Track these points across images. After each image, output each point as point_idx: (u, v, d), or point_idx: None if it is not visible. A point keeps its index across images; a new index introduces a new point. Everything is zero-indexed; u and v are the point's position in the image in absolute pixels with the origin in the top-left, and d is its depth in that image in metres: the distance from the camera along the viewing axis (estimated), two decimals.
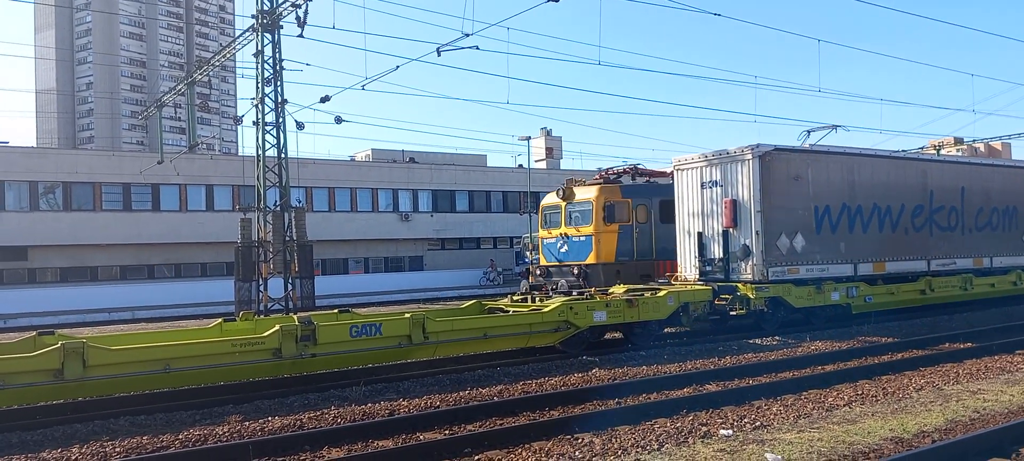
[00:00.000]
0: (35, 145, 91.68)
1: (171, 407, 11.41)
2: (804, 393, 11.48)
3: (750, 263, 18.22)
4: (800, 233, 18.69)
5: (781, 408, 10.50)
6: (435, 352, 14.36)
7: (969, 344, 15.89)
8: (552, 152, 71.96)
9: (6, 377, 10.44)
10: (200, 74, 33.85)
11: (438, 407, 10.89)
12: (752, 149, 18.19)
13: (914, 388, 11.73)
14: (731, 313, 18.31)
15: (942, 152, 44.85)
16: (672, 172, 20.76)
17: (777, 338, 17.72)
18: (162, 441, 9.38)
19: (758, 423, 9.71)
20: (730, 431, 9.22)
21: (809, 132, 22.07)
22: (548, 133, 73.73)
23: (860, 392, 11.47)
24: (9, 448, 9.38)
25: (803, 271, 18.76)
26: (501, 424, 9.90)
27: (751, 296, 17.88)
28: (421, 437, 9.40)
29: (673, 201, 20.66)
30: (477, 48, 21.66)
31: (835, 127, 21.90)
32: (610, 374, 13.24)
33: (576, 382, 12.61)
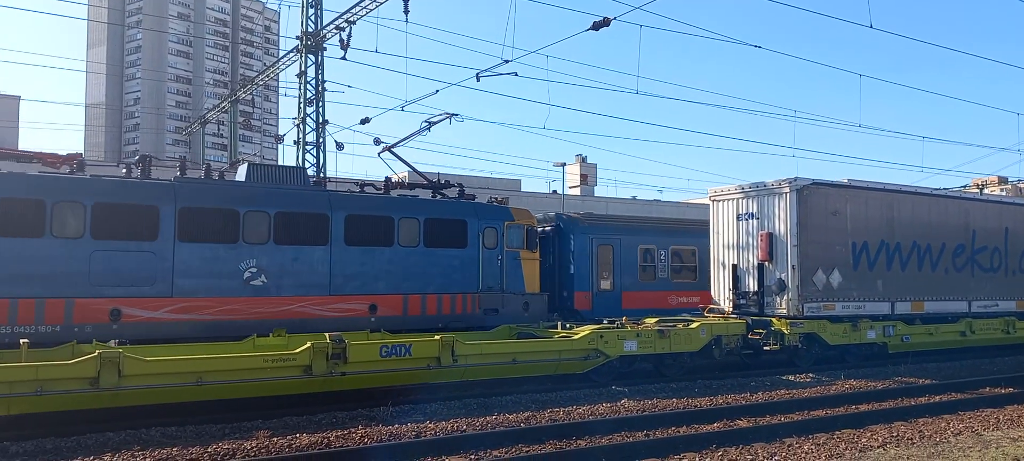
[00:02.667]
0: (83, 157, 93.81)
1: (202, 420, 11.54)
2: (837, 433, 11.27)
3: (785, 298, 17.97)
4: (837, 269, 18.41)
5: (813, 447, 10.32)
6: (463, 375, 14.36)
7: (1010, 389, 15.47)
8: (587, 179, 71.92)
9: (44, 383, 10.67)
10: (244, 92, 34.58)
11: (465, 431, 10.89)
12: (790, 182, 18.02)
13: (952, 432, 11.45)
14: (765, 348, 18.04)
15: (986, 191, 43.96)
16: (709, 202, 20.60)
17: (811, 375, 17.43)
18: (191, 453, 9.49)
19: None
20: None
21: (429, 123, 20.69)
22: (583, 160, 73.71)
23: (895, 434, 11.22)
24: (44, 453, 9.57)
25: (839, 308, 18.45)
26: (527, 451, 9.86)
27: (785, 331, 17.62)
28: None
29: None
30: (516, 74, 21.91)
31: (450, 116, 20.89)
32: (639, 406, 13.12)
33: (604, 412, 12.52)
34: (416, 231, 17.87)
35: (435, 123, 20.71)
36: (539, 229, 20.83)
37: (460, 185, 20.25)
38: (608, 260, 21.80)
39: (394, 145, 20.43)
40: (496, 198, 20.59)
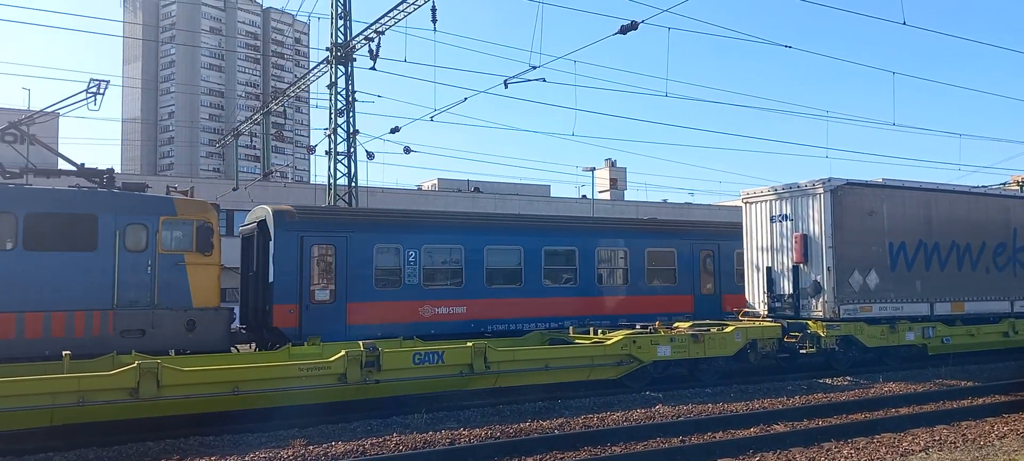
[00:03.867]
0: (120, 171, 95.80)
1: (238, 429, 11.67)
2: (877, 436, 11.08)
3: (821, 300, 17.73)
4: (873, 270, 18.12)
5: (852, 451, 10.15)
6: (496, 382, 14.36)
7: None
8: (616, 183, 71.64)
9: (86, 394, 10.87)
10: (275, 104, 34.99)
11: (499, 438, 10.88)
12: (824, 183, 17.79)
13: (996, 435, 11.20)
14: (801, 351, 17.80)
15: None
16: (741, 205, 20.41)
17: (848, 378, 17.16)
18: None
19: None
20: None
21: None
22: (613, 164, 73.51)
23: (937, 437, 11.00)
24: None
25: (876, 309, 18.16)
26: (561, 458, 9.83)
27: (822, 334, 17.37)
28: None
29: None
30: (544, 80, 21.94)
31: (93, 91, 17.57)
32: (674, 411, 13.01)
33: (639, 418, 12.43)
34: (11, 229, 14.10)
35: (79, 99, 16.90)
36: (245, 227, 17.84)
37: (109, 170, 16.51)
38: (328, 264, 17.72)
39: (20, 120, 16.50)
40: (175, 187, 17.11)
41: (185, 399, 11.66)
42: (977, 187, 24.31)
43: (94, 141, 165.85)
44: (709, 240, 22.34)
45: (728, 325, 17.21)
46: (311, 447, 10.36)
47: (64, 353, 12.70)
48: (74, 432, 11.31)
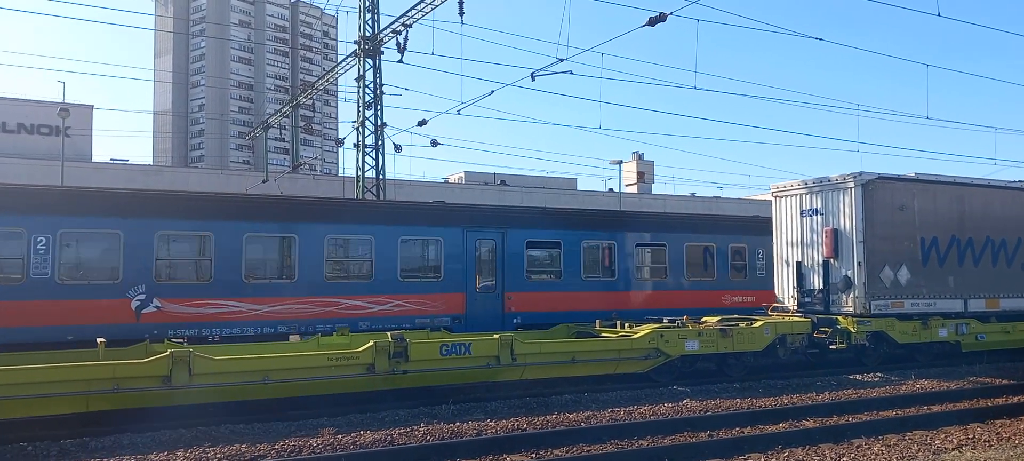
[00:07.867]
0: (151, 163, 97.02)
1: (268, 417, 11.81)
2: (908, 434, 10.94)
3: (851, 295, 17.53)
4: (905, 265, 17.87)
5: (883, 448, 10.04)
6: (523, 374, 14.39)
7: None
8: (644, 177, 71.14)
9: (120, 381, 11.08)
10: (304, 97, 35.29)
11: (525, 430, 10.90)
12: (854, 177, 17.58)
13: None
14: (830, 347, 17.62)
15: None
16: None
17: (879, 374, 16.97)
18: (259, 450, 9.72)
19: None
20: None
21: None
22: (640, 157, 72.97)
23: (971, 435, 10.84)
24: (121, 449, 9.92)
25: (908, 305, 17.91)
26: (588, 451, 9.82)
27: (852, 330, 17.18)
28: (508, 459, 9.43)
29: None
30: (571, 73, 21.90)
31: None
32: (702, 406, 12.95)
33: (666, 412, 12.39)
34: None
35: None
36: None
37: None
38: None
39: None
40: None
41: (216, 387, 11.82)
42: (1014, 182, 23.85)
43: (126, 133, 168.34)
44: None
45: (757, 320, 17.09)
46: (340, 436, 10.46)
47: (99, 340, 12.94)
48: (108, 418, 11.52)
